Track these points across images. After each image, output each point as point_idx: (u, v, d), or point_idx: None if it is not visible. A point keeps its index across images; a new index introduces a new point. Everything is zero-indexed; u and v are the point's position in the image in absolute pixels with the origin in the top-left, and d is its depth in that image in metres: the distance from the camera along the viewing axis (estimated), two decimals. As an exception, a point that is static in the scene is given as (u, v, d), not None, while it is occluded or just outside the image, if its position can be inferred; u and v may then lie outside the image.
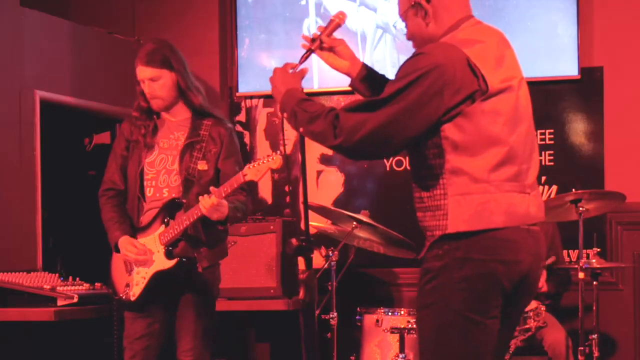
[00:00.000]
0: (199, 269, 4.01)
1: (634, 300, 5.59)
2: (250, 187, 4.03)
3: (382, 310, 4.81)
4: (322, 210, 5.17)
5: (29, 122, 5.17)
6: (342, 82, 5.97)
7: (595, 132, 5.67)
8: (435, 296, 2.77)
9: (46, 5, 5.59)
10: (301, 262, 3.07)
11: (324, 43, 3.10)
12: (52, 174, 5.43)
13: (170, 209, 4.01)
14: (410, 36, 3.00)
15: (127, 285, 4.06)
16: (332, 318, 4.83)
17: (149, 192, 4.08)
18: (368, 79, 3.15)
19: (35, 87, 5.22)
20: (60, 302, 4.28)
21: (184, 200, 3.99)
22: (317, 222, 5.30)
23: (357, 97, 3.22)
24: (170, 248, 3.98)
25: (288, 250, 3.12)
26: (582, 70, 5.64)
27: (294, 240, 3.05)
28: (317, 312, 4.78)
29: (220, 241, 4.14)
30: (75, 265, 4.90)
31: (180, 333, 4.05)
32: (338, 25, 3.09)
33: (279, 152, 3.79)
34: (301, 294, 5.07)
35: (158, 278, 4.00)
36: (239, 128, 6.20)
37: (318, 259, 5.50)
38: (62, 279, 4.53)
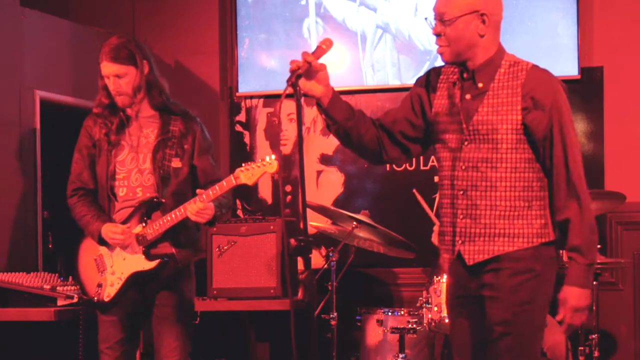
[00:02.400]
0: (178, 265, 3.93)
1: (634, 300, 5.59)
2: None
3: (382, 310, 4.81)
4: (322, 210, 5.17)
5: (29, 122, 5.18)
6: (342, 82, 6.02)
7: (595, 132, 5.66)
8: (539, 292, 3.13)
9: (46, 5, 5.60)
10: (301, 262, 3.07)
11: (314, 69, 3.10)
12: (52, 174, 5.43)
13: (147, 209, 3.92)
14: (451, 39, 3.09)
15: (100, 285, 3.96)
16: (332, 318, 4.83)
17: (121, 192, 3.97)
18: (337, 104, 3.22)
19: (35, 87, 5.22)
20: (60, 302, 4.28)
21: (163, 200, 3.91)
22: (317, 222, 5.30)
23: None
24: (149, 248, 3.91)
25: (287, 250, 3.11)
26: (582, 70, 5.64)
27: (292, 241, 3.05)
28: (317, 312, 4.79)
29: (195, 239, 4.08)
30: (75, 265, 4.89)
31: (162, 334, 3.98)
32: (325, 52, 3.13)
33: (273, 156, 3.74)
34: (300, 294, 5.08)
35: (136, 278, 3.92)
36: (238, 128, 6.20)
37: (318, 259, 5.52)
38: (62, 279, 4.53)
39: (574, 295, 3.10)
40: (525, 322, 3.09)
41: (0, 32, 5.03)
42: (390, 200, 5.91)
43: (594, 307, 4.71)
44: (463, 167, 3.14)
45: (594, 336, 4.69)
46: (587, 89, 5.66)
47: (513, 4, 5.74)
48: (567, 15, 5.64)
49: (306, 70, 3.05)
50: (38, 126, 5.22)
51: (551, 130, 3.07)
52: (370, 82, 6.00)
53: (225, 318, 5.34)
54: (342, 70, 6.03)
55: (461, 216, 3.14)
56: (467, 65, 3.14)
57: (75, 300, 4.26)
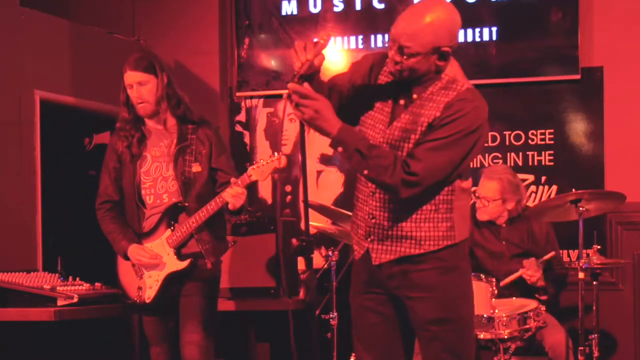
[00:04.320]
0: (208, 265, 4.17)
1: (634, 300, 5.59)
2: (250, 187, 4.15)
3: (382, 310, 4.80)
4: (322, 210, 5.17)
5: (29, 122, 5.17)
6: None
7: (595, 132, 5.67)
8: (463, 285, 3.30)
9: (46, 5, 5.59)
10: (301, 262, 3.07)
11: (313, 66, 3.08)
12: (52, 174, 5.43)
13: (173, 213, 4.17)
14: (407, 68, 3.09)
15: (140, 288, 4.20)
16: (332, 318, 4.82)
17: (149, 200, 4.23)
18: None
19: (35, 87, 5.21)
20: (60, 302, 4.28)
21: (186, 204, 4.16)
22: (317, 222, 5.30)
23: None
24: (181, 249, 4.16)
25: (288, 250, 3.12)
26: (582, 70, 5.64)
27: (294, 240, 3.05)
28: (317, 312, 4.79)
29: (221, 238, 4.30)
30: (75, 265, 4.89)
31: (185, 322, 4.15)
32: (324, 47, 3.12)
33: (281, 152, 3.88)
34: (301, 294, 5.09)
35: (171, 279, 4.16)
36: (238, 128, 6.20)
37: (318, 259, 5.51)
38: (62, 279, 4.53)
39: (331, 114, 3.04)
40: (459, 314, 3.19)
41: (0, 32, 5.03)
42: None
43: (594, 307, 4.71)
44: None
45: (594, 336, 4.69)
46: (587, 89, 5.66)
47: (513, 4, 5.75)
48: (567, 16, 5.65)
49: (308, 67, 3.04)
50: (38, 126, 5.21)
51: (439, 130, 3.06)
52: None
53: (225, 318, 5.33)
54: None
55: (370, 216, 3.19)
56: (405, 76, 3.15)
57: (75, 300, 4.27)
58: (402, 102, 3.18)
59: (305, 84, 3.00)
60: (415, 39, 3.04)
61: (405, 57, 3.06)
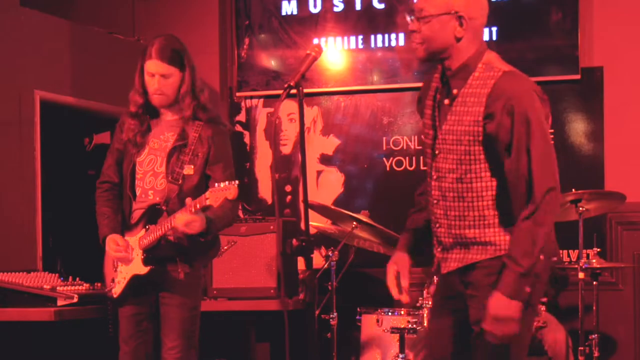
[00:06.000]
0: (180, 275, 3.96)
1: (634, 300, 5.59)
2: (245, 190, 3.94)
3: (382, 310, 4.81)
4: (322, 210, 5.17)
5: (29, 122, 5.17)
6: (342, 82, 6.02)
7: (595, 132, 5.67)
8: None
9: (46, 5, 5.59)
10: (301, 262, 3.07)
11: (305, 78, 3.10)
12: (52, 174, 5.43)
13: (152, 214, 3.97)
14: (425, 37, 3.04)
15: (113, 280, 4.08)
16: (332, 318, 4.82)
17: (137, 192, 4.05)
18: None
19: (35, 87, 5.21)
20: (60, 302, 4.28)
21: (164, 207, 3.94)
22: (317, 222, 5.30)
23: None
24: (149, 254, 3.96)
25: (288, 250, 3.11)
26: (582, 70, 5.64)
27: (294, 240, 3.05)
28: (317, 312, 4.79)
29: (206, 246, 4.04)
30: (75, 265, 4.90)
31: (164, 331, 4.05)
32: (315, 59, 3.12)
33: (236, 182, 3.67)
34: (301, 294, 5.08)
35: (135, 281, 3.99)
36: (238, 128, 6.20)
37: (318, 259, 5.51)
38: (62, 279, 4.53)
39: (496, 303, 2.93)
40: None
41: (0, 32, 5.03)
42: (390, 200, 5.91)
43: (594, 307, 4.71)
44: (435, 177, 3.11)
45: (594, 336, 4.69)
46: (587, 89, 5.66)
47: (513, 3, 5.75)
48: (567, 15, 5.65)
49: (300, 78, 3.05)
50: (38, 126, 5.21)
51: (513, 139, 2.96)
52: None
53: (225, 318, 5.33)
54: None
55: (437, 224, 3.14)
56: (444, 64, 3.09)
57: (75, 300, 4.27)
58: (446, 102, 3.09)
59: None
60: (430, 0, 3.01)
61: (422, 23, 3.00)
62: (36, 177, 5.19)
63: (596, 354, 4.68)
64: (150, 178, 4.02)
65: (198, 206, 3.72)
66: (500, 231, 3.03)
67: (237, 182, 3.68)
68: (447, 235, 3.11)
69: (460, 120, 3.02)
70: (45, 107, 5.27)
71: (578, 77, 5.63)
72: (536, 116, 2.97)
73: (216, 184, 3.71)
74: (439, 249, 3.15)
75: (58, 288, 4.33)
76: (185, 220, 3.76)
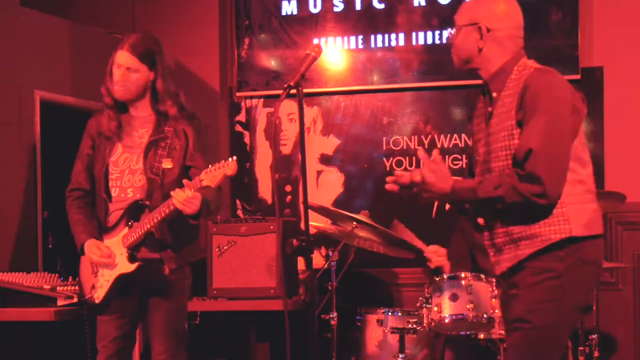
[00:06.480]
0: (165, 271, 3.94)
1: (634, 300, 5.59)
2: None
3: (382, 310, 4.81)
4: (322, 210, 5.17)
5: (29, 122, 5.18)
6: (342, 82, 6.02)
7: (595, 132, 5.67)
8: (559, 293, 3.05)
9: (46, 5, 5.60)
10: (301, 262, 3.07)
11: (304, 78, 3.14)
12: (52, 174, 5.43)
13: (133, 211, 3.93)
14: (455, 46, 3.24)
15: (93, 287, 4.01)
16: (332, 318, 4.82)
17: (114, 193, 3.99)
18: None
19: (35, 87, 5.22)
20: (60, 302, 4.28)
21: (147, 202, 3.91)
22: (317, 222, 5.30)
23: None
24: (134, 251, 3.92)
25: (288, 250, 3.11)
26: (582, 70, 5.64)
27: (294, 241, 3.05)
28: (317, 312, 4.79)
29: (189, 242, 4.05)
30: (75, 265, 4.89)
31: (152, 336, 4.02)
32: (314, 59, 3.14)
33: (234, 157, 3.64)
34: (301, 294, 5.08)
35: (121, 281, 3.94)
36: (238, 128, 6.20)
37: (318, 259, 5.52)
38: (62, 279, 4.53)
39: (445, 180, 3.09)
40: (538, 320, 3.06)
41: (0, 32, 5.03)
42: (390, 200, 5.90)
43: (594, 307, 4.71)
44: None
45: (594, 336, 4.70)
46: (587, 89, 5.65)
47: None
48: (567, 15, 5.65)
49: (298, 80, 3.07)
50: (38, 126, 5.22)
51: (525, 116, 3.05)
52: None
53: (225, 318, 5.34)
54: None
55: (488, 226, 3.23)
56: (480, 75, 3.24)
57: (75, 300, 4.26)
58: (490, 108, 3.21)
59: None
60: (460, 13, 3.22)
61: (455, 34, 3.20)
62: (36, 177, 5.19)
63: (596, 354, 4.69)
64: (128, 176, 3.97)
65: (199, 186, 3.68)
66: (544, 222, 3.08)
67: (235, 157, 3.65)
68: (496, 236, 3.18)
69: (501, 120, 3.13)
70: (45, 107, 5.28)
71: (578, 77, 5.63)
72: (549, 98, 3.05)
73: (210, 165, 3.68)
74: (491, 252, 3.22)
75: (58, 288, 4.32)
76: (185, 197, 3.69)
